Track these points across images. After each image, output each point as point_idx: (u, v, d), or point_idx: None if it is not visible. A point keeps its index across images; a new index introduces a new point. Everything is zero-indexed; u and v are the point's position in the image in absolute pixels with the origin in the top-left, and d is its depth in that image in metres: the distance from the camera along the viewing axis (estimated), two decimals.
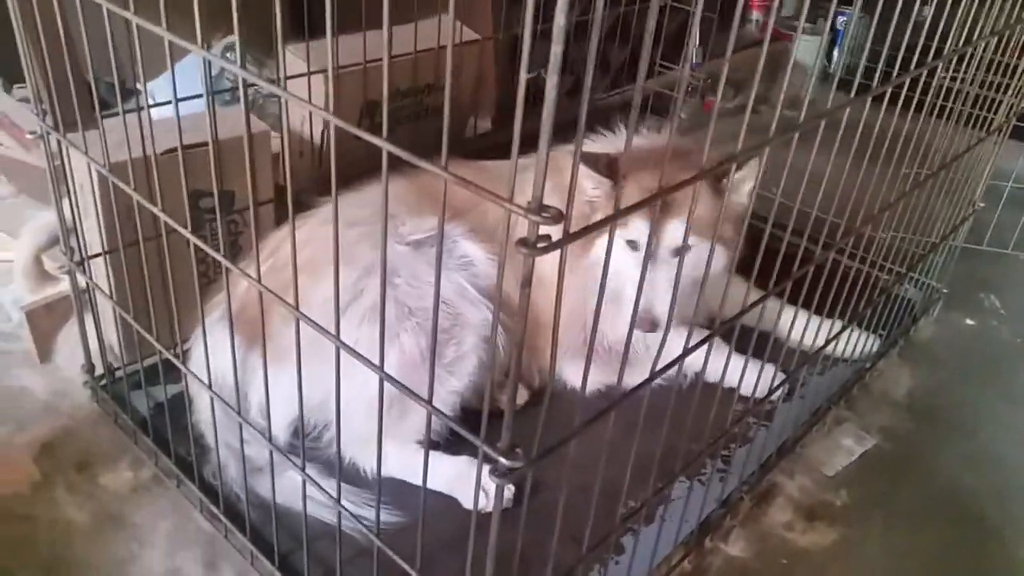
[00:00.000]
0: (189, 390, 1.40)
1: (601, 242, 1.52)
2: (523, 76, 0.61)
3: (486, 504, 1.00)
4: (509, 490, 1.23)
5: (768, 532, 1.56)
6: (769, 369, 1.47)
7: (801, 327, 1.51)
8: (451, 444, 1.47)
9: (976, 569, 1.56)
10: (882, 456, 1.78)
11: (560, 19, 0.56)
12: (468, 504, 1.42)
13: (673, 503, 1.48)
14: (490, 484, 0.80)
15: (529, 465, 0.80)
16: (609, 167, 1.46)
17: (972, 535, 1.62)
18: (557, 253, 1.70)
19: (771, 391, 1.45)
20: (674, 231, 1.46)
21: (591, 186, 1.52)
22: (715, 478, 1.54)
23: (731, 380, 1.41)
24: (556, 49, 0.57)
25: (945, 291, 2.24)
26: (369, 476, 1.44)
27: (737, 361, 1.38)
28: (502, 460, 0.79)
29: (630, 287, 1.46)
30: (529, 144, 0.67)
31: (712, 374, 1.39)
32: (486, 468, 0.82)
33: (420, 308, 1.43)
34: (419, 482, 1.38)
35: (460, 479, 1.43)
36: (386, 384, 0.93)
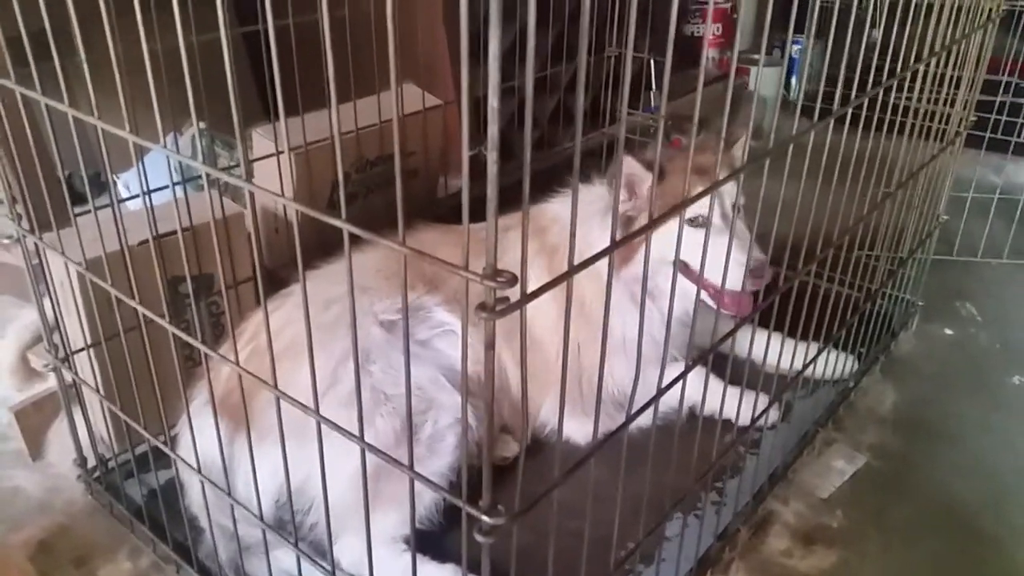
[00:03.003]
0: (180, 475, 1.41)
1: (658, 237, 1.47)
2: (465, 153, 0.65)
3: None
4: None
5: (768, 560, 1.57)
6: (752, 396, 1.50)
7: (777, 352, 1.55)
8: (436, 542, 1.41)
9: None
10: (874, 474, 1.79)
11: (493, 101, 0.60)
12: None
13: (670, 541, 1.49)
14: None
15: (511, 521, 0.81)
16: (649, 166, 1.55)
17: (970, 545, 1.63)
18: (548, 313, 1.73)
19: (756, 417, 1.48)
20: (727, 190, 1.55)
21: (622, 199, 1.57)
22: (710, 511, 1.55)
23: (717, 411, 1.44)
24: (492, 129, 0.61)
25: (921, 304, 2.29)
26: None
27: (721, 390, 1.42)
28: (484, 518, 0.81)
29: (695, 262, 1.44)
30: (504, 203, 0.70)
31: (696, 405, 1.41)
32: None
33: (395, 395, 1.44)
34: None
35: None
36: (359, 476, 0.95)
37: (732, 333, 1.28)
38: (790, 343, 1.58)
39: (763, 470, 1.68)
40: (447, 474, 1.45)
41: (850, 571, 1.56)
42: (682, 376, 1.14)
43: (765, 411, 1.51)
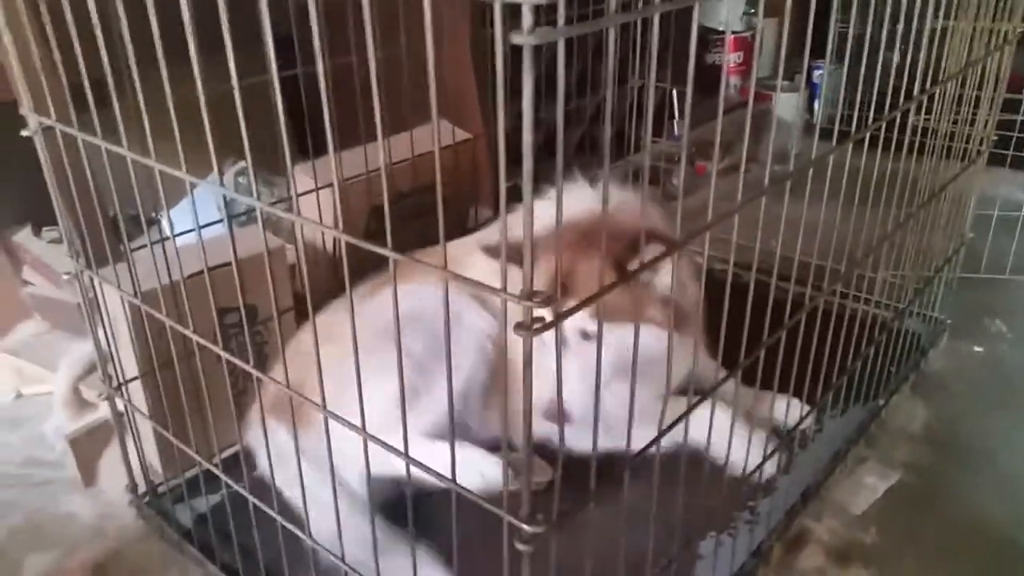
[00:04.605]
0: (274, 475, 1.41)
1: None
2: (502, 184, 0.70)
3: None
4: None
5: None
6: (790, 403, 1.57)
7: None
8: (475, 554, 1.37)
9: None
10: (907, 490, 1.80)
11: (527, 137, 0.66)
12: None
13: (704, 559, 1.52)
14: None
15: (551, 529, 0.86)
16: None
17: (1006, 563, 1.64)
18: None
19: (800, 420, 1.54)
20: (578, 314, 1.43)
21: None
22: (743, 530, 1.57)
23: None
24: (527, 164, 0.67)
25: (949, 321, 2.30)
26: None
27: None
28: (525, 527, 0.85)
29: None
30: None
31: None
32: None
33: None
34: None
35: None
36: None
37: (750, 359, 1.31)
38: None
39: (795, 488, 1.70)
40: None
41: None
42: (701, 401, 1.17)
43: (808, 413, 1.56)
